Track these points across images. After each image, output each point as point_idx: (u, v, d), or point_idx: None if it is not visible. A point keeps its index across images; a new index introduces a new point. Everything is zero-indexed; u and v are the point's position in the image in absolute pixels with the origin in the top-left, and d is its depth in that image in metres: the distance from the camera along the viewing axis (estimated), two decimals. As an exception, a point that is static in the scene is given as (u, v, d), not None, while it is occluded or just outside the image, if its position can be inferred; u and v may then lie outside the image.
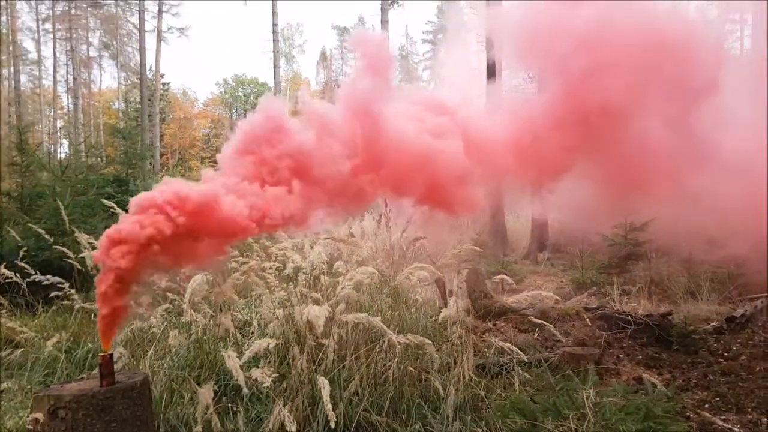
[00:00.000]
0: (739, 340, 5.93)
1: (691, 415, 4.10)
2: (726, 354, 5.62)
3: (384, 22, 22.16)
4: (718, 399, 4.46)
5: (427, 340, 3.54)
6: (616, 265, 8.75)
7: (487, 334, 6.01)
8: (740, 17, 34.80)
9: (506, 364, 4.52)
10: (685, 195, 6.76)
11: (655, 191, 6.55)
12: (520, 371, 4.32)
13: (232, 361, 2.84)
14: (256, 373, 2.86)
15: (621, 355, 5.65)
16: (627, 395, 3.29)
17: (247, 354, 2.99)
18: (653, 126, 6.27)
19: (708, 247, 8.93)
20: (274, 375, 2.89)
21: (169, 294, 4.68)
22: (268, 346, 3.00)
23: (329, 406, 2.60)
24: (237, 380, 2.86)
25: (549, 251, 12.04)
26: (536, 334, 5.93)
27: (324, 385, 2.74)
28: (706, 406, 4.34)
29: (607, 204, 7.25)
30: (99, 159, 17.77)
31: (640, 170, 6.34)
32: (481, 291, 6.71)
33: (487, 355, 4.92)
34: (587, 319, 6.32)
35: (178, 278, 4.45)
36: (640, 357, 5.59)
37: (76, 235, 5.19)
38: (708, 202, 6.93)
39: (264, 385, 2.83)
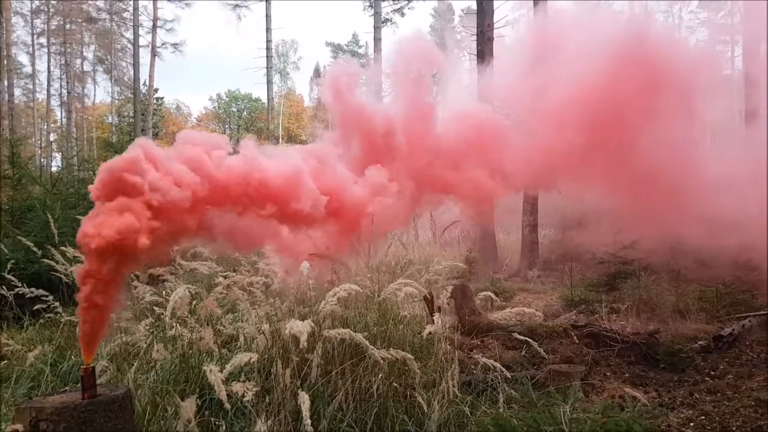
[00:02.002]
0: (726, 359, 5.94)
1: (676, 434, 4.11)
2: (713, 373, 5.63)
3: (377, 40, 22.37)
4: (703, 417, 4.46)
5: (409, 356, 3.55)
6: (605, 283, 8.78)
7: (474, 350, 6.01)
8: (731, 38, 35.36)
9: (492, 380, 4.52)
10: (687, 213, 6.99)
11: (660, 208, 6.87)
12: (506, 388, 4.33)
13: (213, 375, 2.84)
14: (237, 386, 2.87)
15: (608, 373, 5.66)
16: (609, 412, 3.30)
17: (228, 367, 2.99)
18: (652, 150, 6.63)
19: (696, 266, 9.03)
20: (255, 389, 2.89)
21: (155, 308, 4.68)
22: (249, 360, 3.01)
23: (308, 421, 2.60)
24: (219, 395, 2.86)
25: (539, 268, 12.06)
26: (523, 351, 5.93)
27: (304, 400, 2.75)
28: (691, 424, 4.34)
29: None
30: (91, 173, 17.68)
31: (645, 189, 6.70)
32: (469, 307, 6.71)
33: (474, 371, 4.92)
34: (575, 337, 6.33)
35: (164, 292, 4.46)
36: (627, 375, 5.60)
37: (63, 249, 5.18)
38: (706, 218, 7.14)
39: (246, 398, 2.83)
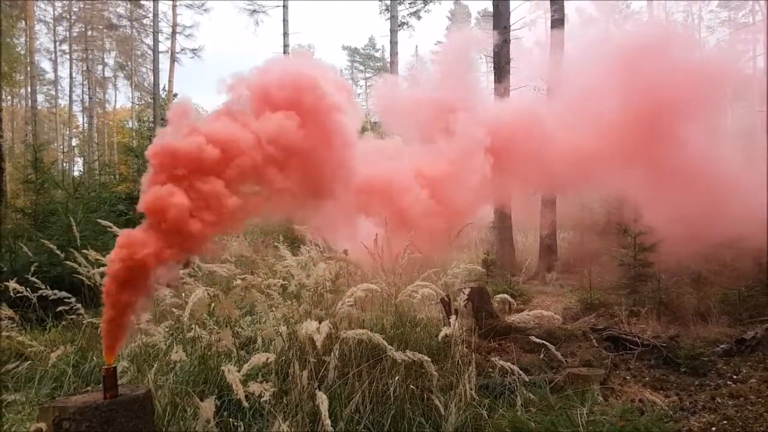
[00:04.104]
0: (748, 363, 5.84)
1: (697, 438, 4.06)
2: (735, 377, 5.54)
3: (393, 43, 22.38)
4: (725, 422, 4.40)
5: (426, 358, 3.55)
6: (625, 286, 8.69)
7: (492, 353, 5.99)
8: (752, 37, 34.91)
9: (510, 384, 4.51)
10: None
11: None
12: (524, 391, 4.31)
13: (231, 375, 2.87)
14: (254, 386, 2.89)
15: (627, 377, 5.60)
16: (628, 415, 3.28)
17: (246, 367, 3.01)
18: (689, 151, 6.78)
19: (718, 268, 8.93)
20: (273, 390, 2.91)
21: (175, 310, 4.73)
22: (267, 360, 3.03)
23: (327, 421, 2.61)
24: (237, 395, 2.88)
25: (558, 271, 11.96)
26: (542, 355, 5.90)
27: (322, 399, 2.77)
28: (713, 429, 4.28)
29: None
30: (112, 177, 17.97)
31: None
32: (486, 310, 6.69)
33: (491, 374, 4.91)
34: (594, 340, 6.28)
35: (183, 294, 4.51)
36: (647, 379, 5.54)
37: (84, 252, 5.26)
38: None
39: (263, 398, 2.85)
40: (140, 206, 3.57)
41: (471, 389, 3.87)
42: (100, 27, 36.18)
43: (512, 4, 13.40)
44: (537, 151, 7.40)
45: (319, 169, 4.61)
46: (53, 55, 37.17)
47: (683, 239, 8.22)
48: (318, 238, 6.29)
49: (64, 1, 35.17)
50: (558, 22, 12.73)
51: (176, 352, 3.75)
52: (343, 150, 4.79)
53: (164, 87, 31.61)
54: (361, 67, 58.32)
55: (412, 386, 3.81)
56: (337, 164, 4.75)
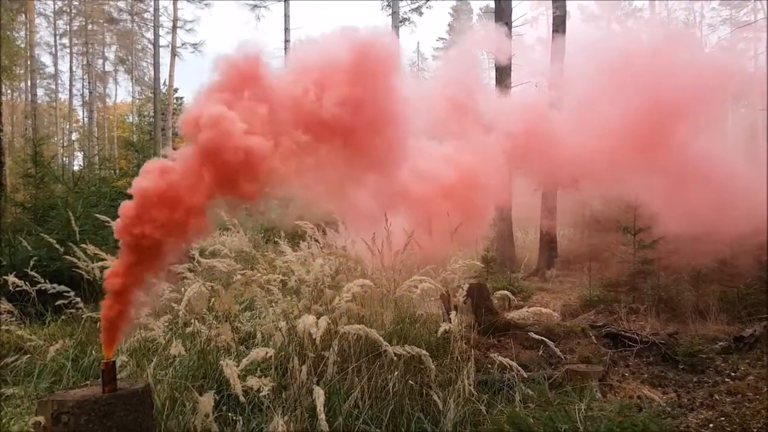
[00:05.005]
0: (747, 360, 5.85)
1: (695, 435, 4.07)
2: (733, 374, 5.55)
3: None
4: (723, 419, 4.41)
5: (424, 352, 3.56)
6: (624, 283, 8.69)
7: (491, 349, 5.99)
8: (754, 35, 34.85)
9: (509, 380, 4.52)
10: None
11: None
12: (523, 387, 4.32)
13: (229, 369, 2.87)
14: (252, 381, 2.89)
15: (626, 374, 5.61)
16: (626, 411, 3.28)
17: (244, 362, 3.02)
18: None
19: (717, 265, 8.93)
20: (271, 384, 2.92)
21: (174, 305, 4.73)
22: (266, 355, 3.03)
23: (323, 416, 2.62)
24: (234, 389, 2.89)
25: (557, 268, 11.96)
26: (540, 351, 5.91)
27: (318, 394, 2.77)
28: (711, 425, 4.29)
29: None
30: (112, 171, 17.95)
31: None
32: (486, 306, 6.68)
33: (490, 371, 4.92)
34: (593, 337, 6.29)
35: (183, 289, 4.52)
36: (646, 375, 5.55)
37: (83, 246, 5.26)
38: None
39: (262, 393, 2.86)
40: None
41: (470, 385, 3.88)
42: (101, 21, 36.13)
43: (513, 2, 13.37)
44: (543, 147, 7.45)
45: (368, 149, 4.66)
46: (53, 48, 37.19)
47: (692, 239, 8.23)
48: (344, 227, 6.34)
49: (65, -5, 35.12)
50: (560, 18, 12.69)
51: (175, 347, 3.76)
52: (400, 137, 4.84)
53: (165, 81, 31.59)
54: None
55: (411, 382, 3.82)
56: (390, 151, 4.79)
